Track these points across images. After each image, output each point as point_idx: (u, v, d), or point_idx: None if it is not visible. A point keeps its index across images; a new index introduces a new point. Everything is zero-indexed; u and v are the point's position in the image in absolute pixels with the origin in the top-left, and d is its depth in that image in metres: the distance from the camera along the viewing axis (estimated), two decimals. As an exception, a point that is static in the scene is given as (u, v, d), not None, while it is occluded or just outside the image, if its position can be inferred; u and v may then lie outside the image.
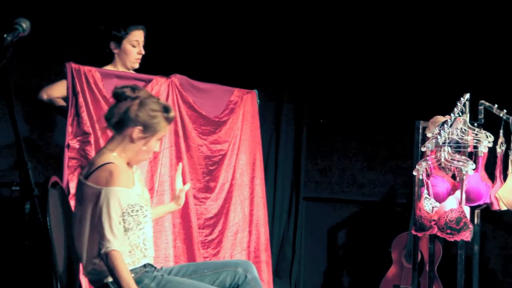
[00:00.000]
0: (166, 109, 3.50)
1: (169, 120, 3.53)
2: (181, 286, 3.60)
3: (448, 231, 4.61)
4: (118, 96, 3.50)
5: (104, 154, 3.53)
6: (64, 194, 3.92)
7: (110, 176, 3.43)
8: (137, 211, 3.51)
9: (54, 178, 3.73)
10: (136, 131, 3.47)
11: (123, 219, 3.44)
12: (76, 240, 3.53)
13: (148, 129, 3.48)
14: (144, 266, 3.59)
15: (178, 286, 3.60)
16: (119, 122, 3.48)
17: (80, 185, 3.55)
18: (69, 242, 3.71)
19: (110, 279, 3.47)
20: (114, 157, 3.52)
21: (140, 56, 4.90)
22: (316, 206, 6.65)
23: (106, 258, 3.37)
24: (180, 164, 4.14)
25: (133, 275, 3.47)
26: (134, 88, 3.50)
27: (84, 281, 4.39)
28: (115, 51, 4.87)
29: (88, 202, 3.46)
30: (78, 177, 3.66)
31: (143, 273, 3.57)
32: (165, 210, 4.09)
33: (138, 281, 3.48)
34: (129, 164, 3.60)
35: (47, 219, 3.42)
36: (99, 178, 3.45)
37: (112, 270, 3.37)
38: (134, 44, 4.85)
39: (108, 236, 3.36)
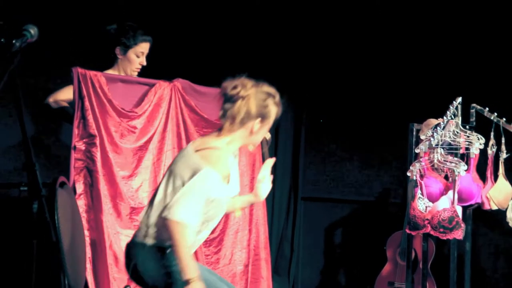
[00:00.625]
0: (273, 95, 3.62)
1: (278, 103, 3.63)
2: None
3: (441, 229, 4.64)
4: (230, 97, 3.61)
5: (219, 139, 3.61)
6: (71, 194, 3.97)
7: (216, 161, 3.51)
8: (219, 204, 3.58)
9: (62, 178, 3.78)
10: (256, 124, 3.58)
11: (204, 203, 3.49)
12: (156, 197, 3.56)
13: (265, 118, 3.59)
14: None
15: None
16: (240, 121, 3.57)
17: (186, 151, 3.61)
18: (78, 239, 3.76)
19: (168, 243, 3.49)
20: (227, 145, 3.61)
21: (140, 67, 4.93)
22: (314, 206, 6.68)
23: (172, 225, 3.41)
24: (273, 160, 3.98)
25: None
26: (242, 86, 3.59)
27: (90, 278, 4.46)
28: (120, 56, 4.90)
29: (185, 169, 3.52)
30: (188, 145, 3.71)
31: None
32: (244, 201, 3.98)
33: None
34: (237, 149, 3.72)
35: (56, 217, 3.46)
36: (207, 157, 3.51)
37: (172, 239, 3.42)
38: (139, 54, 4.89)
39: (183, 206, 3.41)
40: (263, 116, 3.59)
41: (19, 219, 4.76)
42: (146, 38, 4.90)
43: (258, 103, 3.57)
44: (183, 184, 3.47)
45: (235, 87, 3.58)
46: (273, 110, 3.62)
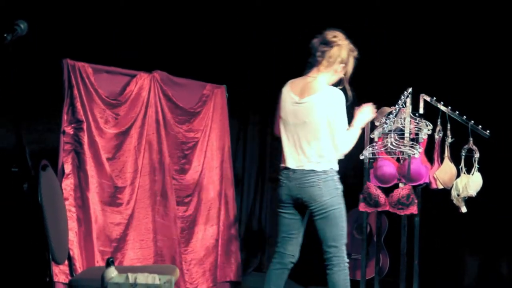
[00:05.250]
0: (355, 51, 4.14)
1: (355, 56, 4.13)
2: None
3: (400, 206, 4.70)
4: (329, 42, 4.06)
5: (319, 83, 4.04)
6: (53, 175, 3.94)
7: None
8: None
9: (44, 161, 3.75)
10: (341, 67, 4.09)
11: None
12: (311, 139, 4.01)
13: (346, 65, 4.11)
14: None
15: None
16: (333, 62, 4.05)
17: (299, 103, 4.03)
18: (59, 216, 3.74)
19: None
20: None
21: None
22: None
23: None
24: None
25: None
26: (340, 36, 4.09)
27: (76, 250, 4.44)
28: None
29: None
30: (290, 95, 4.09)
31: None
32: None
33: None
34: None
35: (39, 197, 3.45)
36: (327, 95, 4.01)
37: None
38: None
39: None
40: (346, 64, 4.09)
41: (8, 199, 4.72)
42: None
43: (347, 53, 4.08)
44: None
45: (335, 36, 4.08)
46: (352, 60, 4.12)
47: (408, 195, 4.67)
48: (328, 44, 4.04)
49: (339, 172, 4.09)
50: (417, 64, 5.95)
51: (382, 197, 4.75)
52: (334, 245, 4.01)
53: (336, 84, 4.11)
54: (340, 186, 4.04)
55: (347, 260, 4.08)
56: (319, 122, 3.96)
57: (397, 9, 6.00)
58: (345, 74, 4.11)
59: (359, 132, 4.13)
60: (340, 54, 4.03)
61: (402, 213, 4.72)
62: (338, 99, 3.96)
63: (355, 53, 4.13)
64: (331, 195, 3.95)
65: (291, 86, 4.10)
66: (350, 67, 4.11)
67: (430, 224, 5.59)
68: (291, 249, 4.15)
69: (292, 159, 4.03)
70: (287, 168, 4.05)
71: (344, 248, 4.06)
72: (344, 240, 4.05)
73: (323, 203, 3.95)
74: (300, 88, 4.05)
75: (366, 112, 4.21)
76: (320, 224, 4.00)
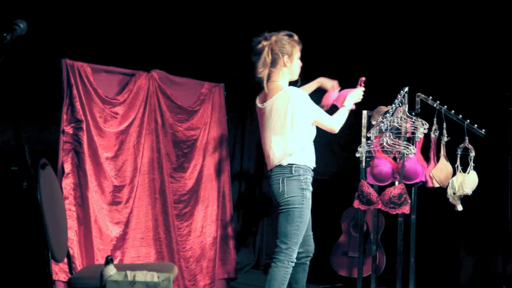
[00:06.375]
0: (290, 35, 4.21)
1: (295, 39, 4.22)
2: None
3: (391, 205, 4.69)
4: (258, 50, 4.18)
5: (274, 84, 4.17)
6: (52, 173, 3.94)
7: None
8: None
9: (44, 160, 3.75)
10: (285, 58, 4.17)
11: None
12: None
13: (289, 53, 4.18)
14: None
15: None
16: (272, 62, 4.17)
17: (262, 108, 4.20)
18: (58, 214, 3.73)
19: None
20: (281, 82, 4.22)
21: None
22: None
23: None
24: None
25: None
26: (264, 39, 4.19)
27: (76, 249, 4.44)
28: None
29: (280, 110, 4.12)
30: (257, 104, 4.28)
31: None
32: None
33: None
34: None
35: (39, 195, 3.44)
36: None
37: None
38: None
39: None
40: (287, 52, 4.17)
41: (8, 197, 4.72)
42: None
43: (281, 45, 4.15)
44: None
45: (259, 42, 4.18)
46: (292, 44, 4.18)
47: (400, 195, 4.66)
48: (258, 53, 4.18)
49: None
50: (413, 63, 5.96)
51: (374, 195, 4.75)
52: (285, 242, 4.08)
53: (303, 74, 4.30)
54: (306, 187, 4.10)
55: (294, 260, 4.10)
56: (281, 121, 4.10)
57: (393, 8, 6.00)
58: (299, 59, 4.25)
59: (347, 112, 4.30)
60: (269, 54, 4.15)
61: (393, 212, 4.72)
62: (294, 95, 4.09)
63: (290, 37, 4.19)
64: (293, 193, 4.05)
65: (258, 97, 4.31)
66: (295, 49, 4.20)
67: (426, 222, 5.60)
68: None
69: (267, 160, 4.21)
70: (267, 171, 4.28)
71: (294, 248, 4.08)
72: (296, 239, 4.08)
73: (284, 200, 4.07)
74: (263, 95, 4.25)
75: (356, 94, 4.38)
76: (279, 218, 4.12)
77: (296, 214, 4.05)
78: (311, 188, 4.13)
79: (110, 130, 4.74)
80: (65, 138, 4.52)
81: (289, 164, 4.08)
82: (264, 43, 4.16)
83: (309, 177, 4.13)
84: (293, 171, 4.06)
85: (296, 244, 4.07)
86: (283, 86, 4.16)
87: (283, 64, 4.18)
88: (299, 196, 4.05)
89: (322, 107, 4.37)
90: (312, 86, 4.56)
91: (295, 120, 4.08)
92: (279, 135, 4.12)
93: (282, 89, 4.13)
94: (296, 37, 4.22)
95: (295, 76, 4.27)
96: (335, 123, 4.22)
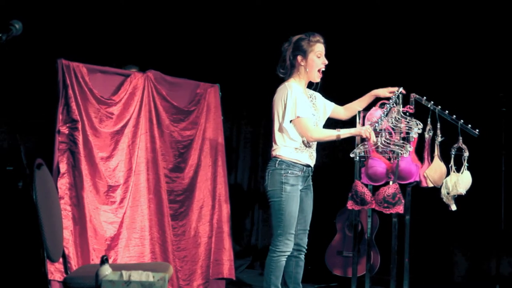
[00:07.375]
0: (309, 34, 4.30)
1: (312, 38, 4.30)
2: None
3: (385, 205, 4.68)
4: (282, 53, 4.33)
5: (283, 84, 4.30)
6: (47, 173, 3.93)
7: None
8: None
9: (39, 160, 3.74)
10: (299, 58, 4.29)
11: None
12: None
13: (304, 52, 4.28)
14: None
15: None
16: (291, 63, 4.31)
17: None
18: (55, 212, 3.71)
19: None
20: (294, 83, 4.31)
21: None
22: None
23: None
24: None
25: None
26: (287, 41, 4.33)
27: (72, 249, 4.43)
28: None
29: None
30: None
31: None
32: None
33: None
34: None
35: (34, 196, 3.43)
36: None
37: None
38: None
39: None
40: (303, 51, 4.27)
41: (3, 197, 4.71)
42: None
43: (296, 46, 4.29)
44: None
45: (283, 46, 4.33)
46: (306, 44, 4.27)
47: (394, 194, 4.65)
48: (283, 55, 4.33)
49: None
50: (408, 64, 5.97)
51: (368, 195, 4.74)
52: (272, 232, 4.27)
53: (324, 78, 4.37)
54: (286, 181, 4.20)
55: (282, 251, 4.22)
56: (273, 114, 4.30)
57: (389, 9, 6.00)
58: (318, 57, 4.30)
59: (335, 138, 4.33)
60: (288, 55, 4.29)
61: (387, 212, 4.71)
62: (288, 90, 4.22)
63: (308, 36, 4.29)
64: (273, 186, 4.22)
65: None
66: (310, 48, 4.27)
67: (421, 222, 5.61)
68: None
69: None
70: None
71: (280, 238, 4.21)
72: (281, 231, 4.21)
73: (267, 192, 4.26)
74: None
75: (362, 129, 4.40)
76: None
77: (276, 207, 4.22)
78: (295, 183, 4.22)
79: (105, 130, 4.73)
80: (61, 138, 4.51)
81: (275, 157, 4.26)
82: (286, 45, 4.33)
83: (296, 172, 4.23)
84: (277, 165, 4.23)
85: (281, 235, 4.20)
86: (283, 85, 4.30)
87: (299, 63, 4.31)
88: (278, 190, 4.19)
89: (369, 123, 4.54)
90: (366, 99, 4.66)
91: (282, 114, 4.22)
92: (273, 128, 4.30)
93: (284, 83, 4.27)
94: (316, 36, 4.31)
95: (313, 75, 4.36)
96: (316, 133, 4.28)
